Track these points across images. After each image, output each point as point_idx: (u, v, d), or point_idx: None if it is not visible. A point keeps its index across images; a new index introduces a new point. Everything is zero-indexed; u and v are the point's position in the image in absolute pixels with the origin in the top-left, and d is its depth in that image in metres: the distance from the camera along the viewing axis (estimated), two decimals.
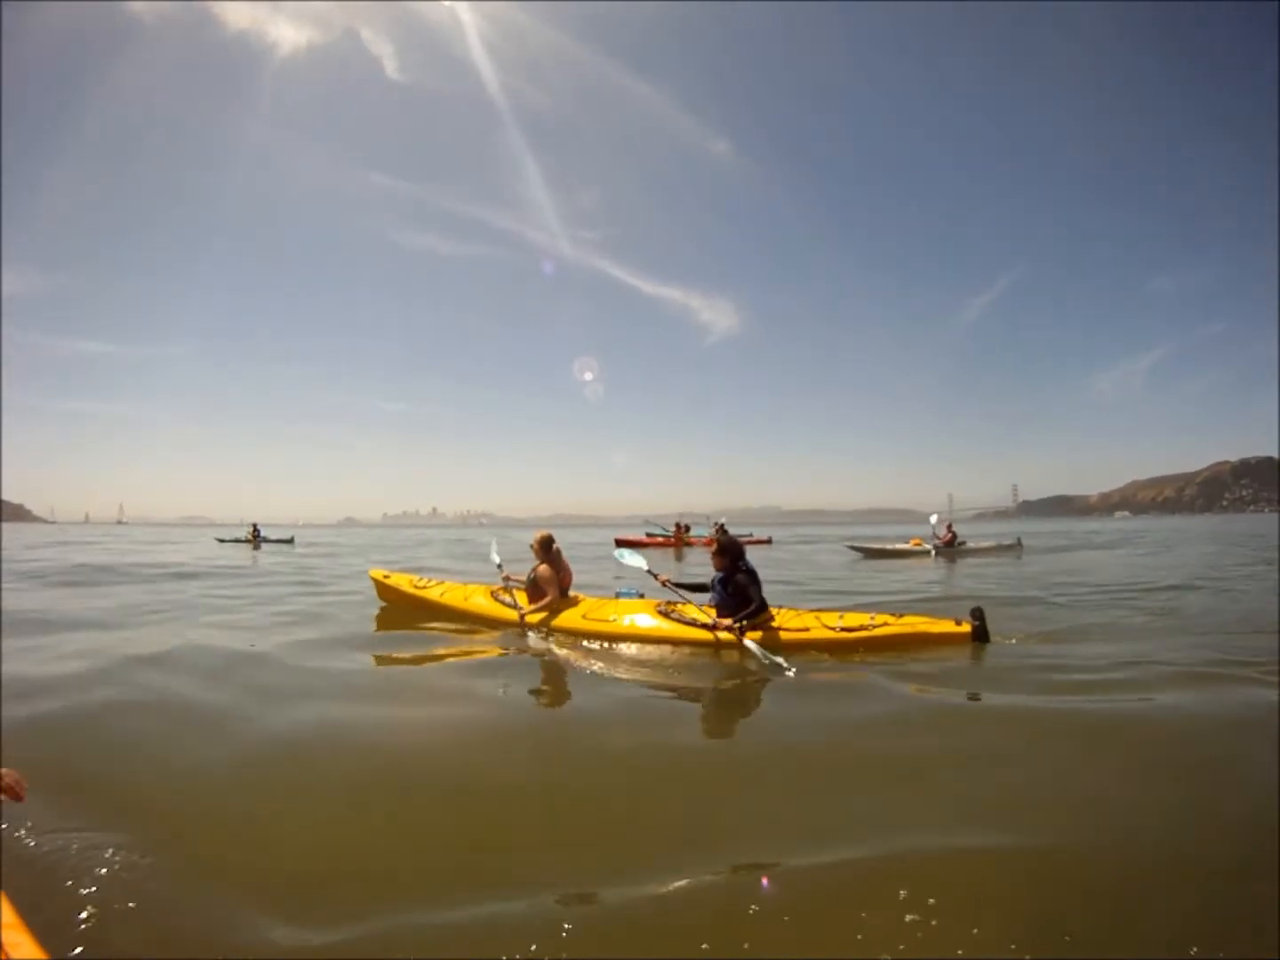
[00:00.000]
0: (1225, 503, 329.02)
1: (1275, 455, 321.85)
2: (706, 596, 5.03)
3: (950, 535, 18.26)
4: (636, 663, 4.60)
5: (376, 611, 6.77)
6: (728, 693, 4.07)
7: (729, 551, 4.94)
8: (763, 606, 4.77)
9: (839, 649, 4.60)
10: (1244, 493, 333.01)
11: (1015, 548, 18.67)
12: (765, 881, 1.86)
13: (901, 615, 4.97)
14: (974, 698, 3.62)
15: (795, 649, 4.60)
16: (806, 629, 4.75)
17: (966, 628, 4.68)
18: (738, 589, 4.79)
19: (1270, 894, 1.75)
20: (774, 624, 4.82)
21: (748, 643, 4.46)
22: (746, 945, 1.64)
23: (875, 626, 4.69)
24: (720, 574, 4.93)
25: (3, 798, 1.65)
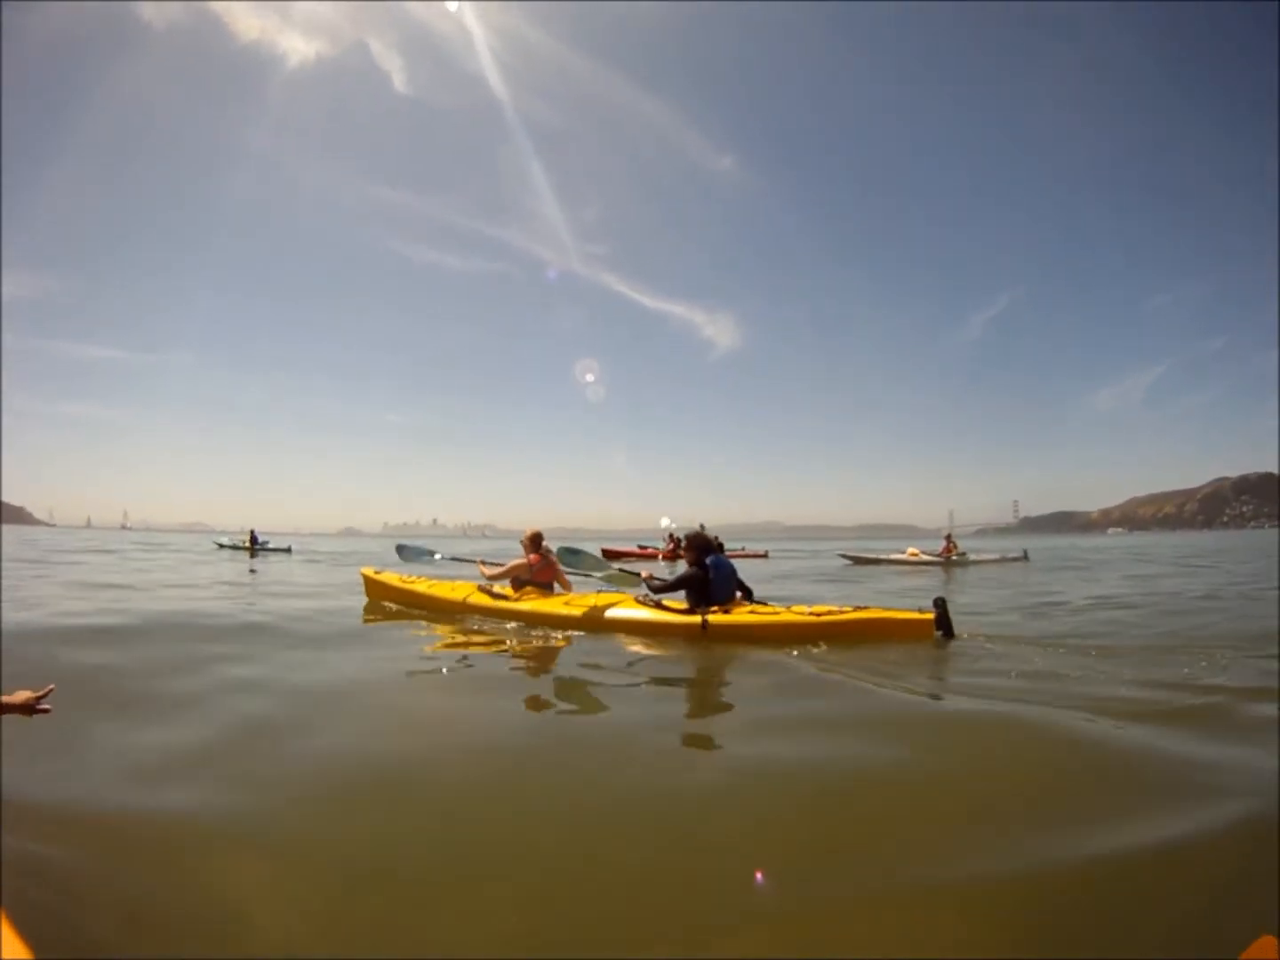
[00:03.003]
0: (1226, 519, 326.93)
1: (1275, 471, 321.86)
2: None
3: (950, 548, 18.25)
4: (614, 648, 4.86)
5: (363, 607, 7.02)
6: (697, 679, 4.30)
7: (695, 547, 5.30)
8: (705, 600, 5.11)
9: (806, 634, 4.79)
10: (1244, 509, 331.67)
11: (1021, 560, 18.63)
12: (759, 876, 1.85)
13: (868, 607, 5.19)
14: (935, 696, 3.70)
15: (765, 633, 4.85)
16: (776, 614, 4.99)
17: (929, 616, 4.87)
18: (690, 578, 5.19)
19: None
20: (745, 610, 5.08)
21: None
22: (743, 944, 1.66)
23: (842, 612, 4.90)
24: (692, 569, 5.24)
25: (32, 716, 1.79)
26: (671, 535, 21.86)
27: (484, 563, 6.41)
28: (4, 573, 10.81)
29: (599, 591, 5.79)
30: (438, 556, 7.00)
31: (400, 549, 6.55)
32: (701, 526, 18.95)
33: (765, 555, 24.35)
